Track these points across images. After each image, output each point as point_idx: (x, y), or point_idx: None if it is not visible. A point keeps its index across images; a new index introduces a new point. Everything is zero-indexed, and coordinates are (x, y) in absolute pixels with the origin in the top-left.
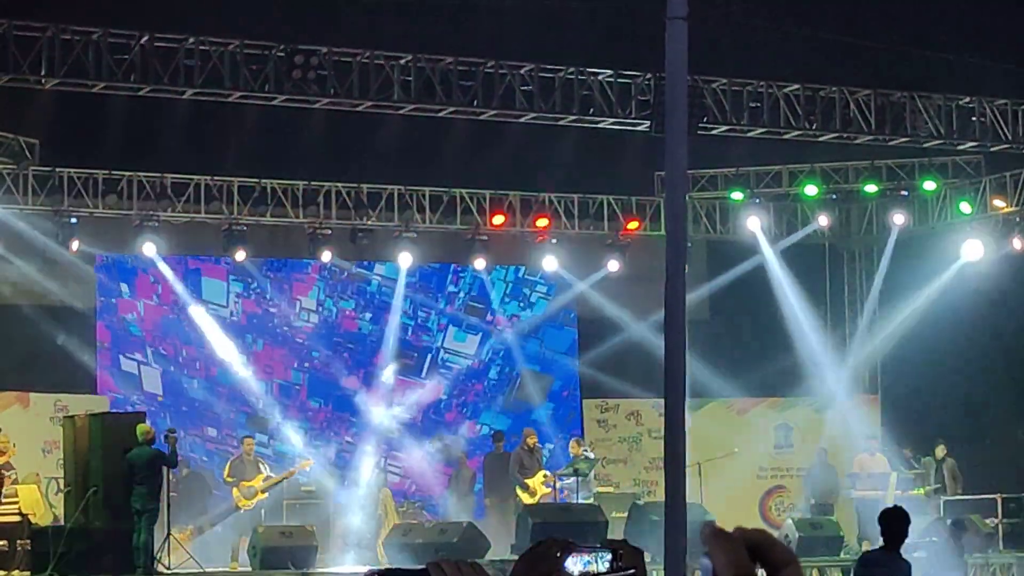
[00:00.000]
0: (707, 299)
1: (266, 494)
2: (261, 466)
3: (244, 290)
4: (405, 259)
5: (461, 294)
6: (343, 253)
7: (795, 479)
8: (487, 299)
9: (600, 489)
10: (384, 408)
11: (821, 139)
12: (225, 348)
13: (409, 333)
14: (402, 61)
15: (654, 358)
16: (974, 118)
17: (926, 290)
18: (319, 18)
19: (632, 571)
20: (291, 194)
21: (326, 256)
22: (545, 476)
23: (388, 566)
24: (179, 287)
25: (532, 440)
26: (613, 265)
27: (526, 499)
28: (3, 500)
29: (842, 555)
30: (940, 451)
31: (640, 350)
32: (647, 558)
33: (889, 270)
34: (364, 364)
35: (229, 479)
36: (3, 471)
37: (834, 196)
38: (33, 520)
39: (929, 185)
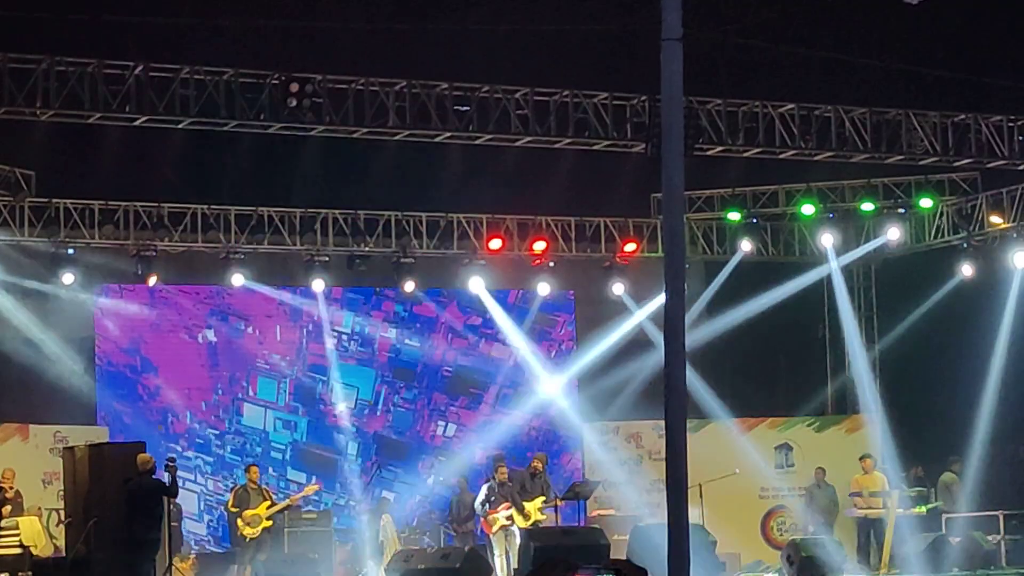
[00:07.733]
0: (706, 318)
1: (271, 522)
2: (266, 494)
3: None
4: (408, 285)
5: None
6: (340, 280)
7: (797, 499)
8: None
9: (601, 512)
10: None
11: (817, 158)
12: (225, 376)
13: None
14: (397, 87)
15: (651, 380)
16: (970, 135)
17: (922, 307)
18: (313, 46)
19: None
20: (288, 221)
21: (319, 285)
22: (544, 502)
23: None
24: (177, 316)
25: (537, 464)
26: (614, 287)
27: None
28: (4, 532)
29: (844, 575)
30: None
31: (639, 372)
32: None
33: (885, 288)
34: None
35: (233, 508)
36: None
37: (831, 215)
38: (34, 552)
39: (925, 202)
